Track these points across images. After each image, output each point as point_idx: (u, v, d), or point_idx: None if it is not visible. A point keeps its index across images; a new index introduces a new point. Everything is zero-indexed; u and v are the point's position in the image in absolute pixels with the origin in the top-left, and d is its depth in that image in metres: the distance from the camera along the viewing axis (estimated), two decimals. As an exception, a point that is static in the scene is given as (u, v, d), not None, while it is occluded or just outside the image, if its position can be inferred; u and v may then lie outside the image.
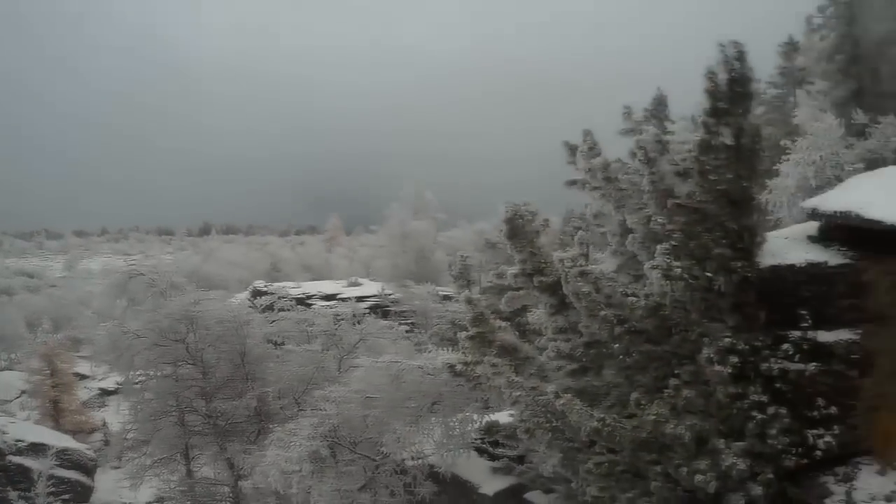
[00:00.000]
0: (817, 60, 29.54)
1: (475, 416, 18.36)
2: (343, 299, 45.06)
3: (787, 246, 12.69)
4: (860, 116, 22.95)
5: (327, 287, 61.15)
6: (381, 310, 47.94)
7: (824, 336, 11.73)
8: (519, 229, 13.52)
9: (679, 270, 11.28)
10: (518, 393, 12.67)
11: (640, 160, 12.24)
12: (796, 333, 11.66)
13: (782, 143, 23.43)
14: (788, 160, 22.27)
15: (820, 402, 11.57)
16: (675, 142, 12.58)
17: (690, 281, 11.32)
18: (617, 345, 12.03)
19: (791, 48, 32.77)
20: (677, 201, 11.62)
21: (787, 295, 11.93)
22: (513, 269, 13.86)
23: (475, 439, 18.84)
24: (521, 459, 17.90)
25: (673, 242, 11.56)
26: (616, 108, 15.83)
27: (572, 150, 13.96)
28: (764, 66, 32.97)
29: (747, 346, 11.34)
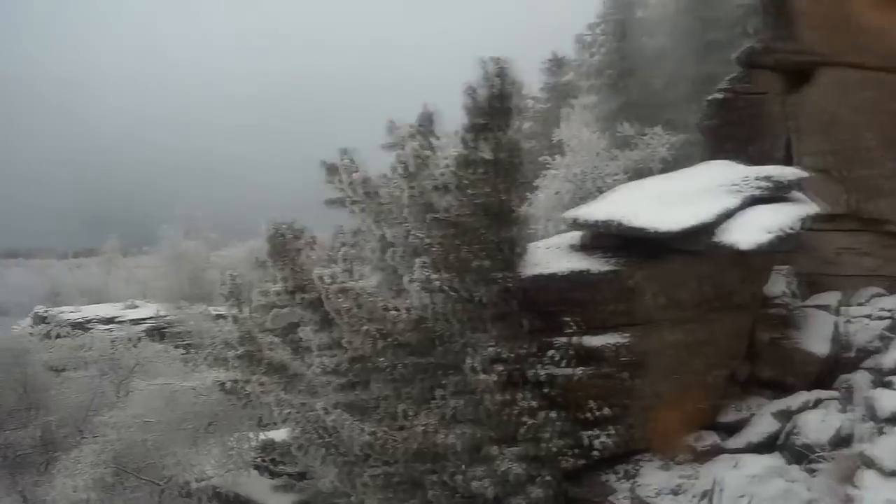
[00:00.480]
0: (587, 76, 31.48)
1: (251, 435, 18.35)
2: (121, 322, 43.84)
3: (550, 256, 13.17)
4: (626, 129, 24.52)
5: (106, 310, 58.20)
6: (158, 332, 46.68)
7: (592, 341, 12.21)
8: (281, 247, 13.55)
9: (439, 283, 11.51)
10: (288, 410, 12.61)
11: (400, 174, 12.41)
12: (562, 340, 12.08)
13: (541, 158, 24.70)
14: (548, 175, 23.44)
15: (593, 404, 12.06)
16: (439, 157, 12.82)
17: (451, 293, 11.57)
18: (382, 358, 12.12)
19: (556, 64, 34.71)
20: (436, 215, 11.85)
21: (550, 303, 12.37)
22: (276, 287, 13.76)
23: (255, 458, 18.67)
24: (302, 476, 17.76)
25: (432, 256, 11.76)
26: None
27: (331, 169, 13.95)
28: (531, 82, 34.75)
29: (513, 355, 11.75)
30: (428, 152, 12.60)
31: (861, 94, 15.99)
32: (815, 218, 13.72)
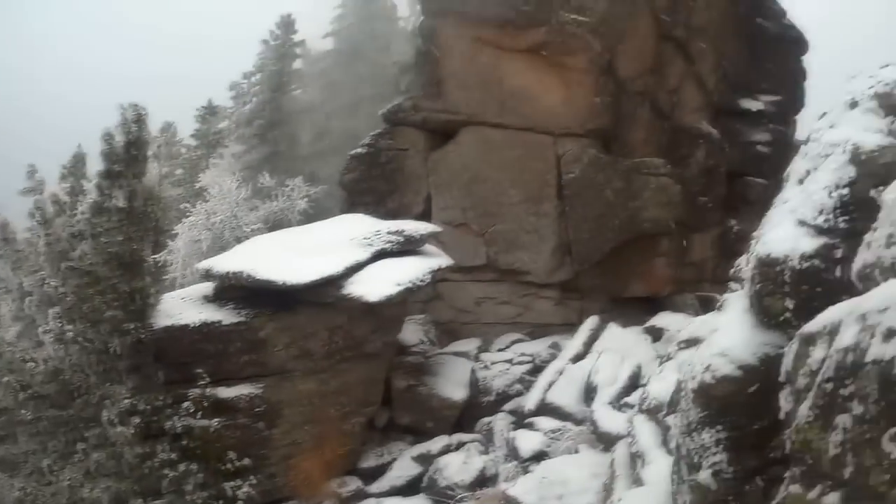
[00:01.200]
0: (237, 125, 32.23)
1: None
2: None
3: (183, 306, 13.54)
4: (267, 180, 25.50)
5: None
6: None
7: (226, 392, 12.78)
8: None
9: (72, 334, 11.58)
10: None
11: (37, 221, 12.32)
12: (196, 391, 12.47)
13: (182, 206, 25.00)
14: (187, 222, 23.79)
15: (232, 454, 12.52)
16: (81, 202, 12.88)
17: (85, 344, 11.67)
18: (24, 411, 11.79)
19: (208, 112, 35.13)
20: (71, 264, 11.89)
21: (184, 354, 12.78)
22: None
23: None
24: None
25: (66, 305, 11.78)
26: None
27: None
28: (184, 128, 34.81)
29: (149, 406, 11.90)
30: (66, 198, 12.65)
31: (505, 153, 18.31)
32: (450, 270, 15.56)
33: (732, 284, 10.91)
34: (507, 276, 18.51)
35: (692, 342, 9.96)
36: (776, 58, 28.14)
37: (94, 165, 14.20)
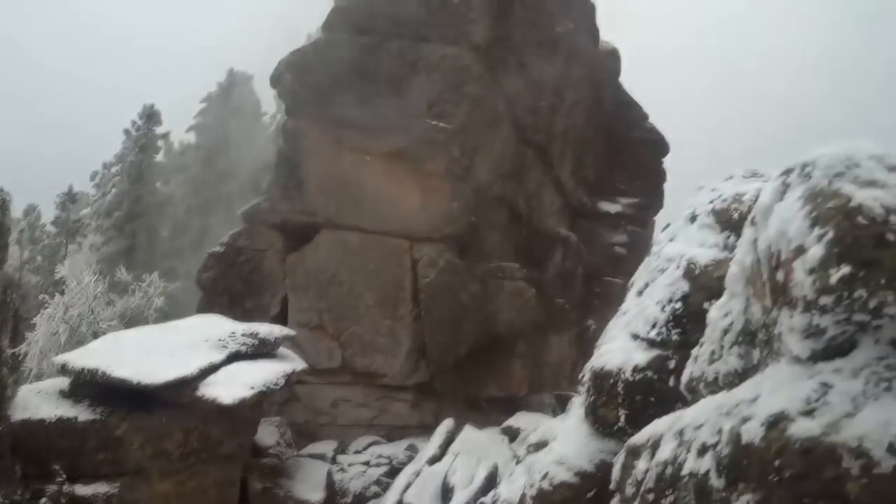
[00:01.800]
0: (96, 215, 31.70)
1: None
2: None
3: (39, 400, 13.22)
4: (124, 274, 25.16)
5: None
6: None
7: (82, 489, 12.41)
8: None
9: None
10: None
11: None
12: (53, 487, 12.11)
13: (41, 296, 24.44)
14: (45, 314, 23.24)
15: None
16: None
17: None
18: None
19: (70, 199, 34.51)
20: None
21: (41, 449, 12.44)
22: None
23: None
24: None
25: None
26: None
27: None
28: (46, 212, 34.13)
29: (6, 501, 11.52)
30: None
31: (362, 257, 18.53)
32: (306, 372, 15.57)
33: (580, 387, 11.26)
34: (362, 379, 18.58)
35: (541, 445, 10.17)
36: (636, 161, 29.45)
37: None
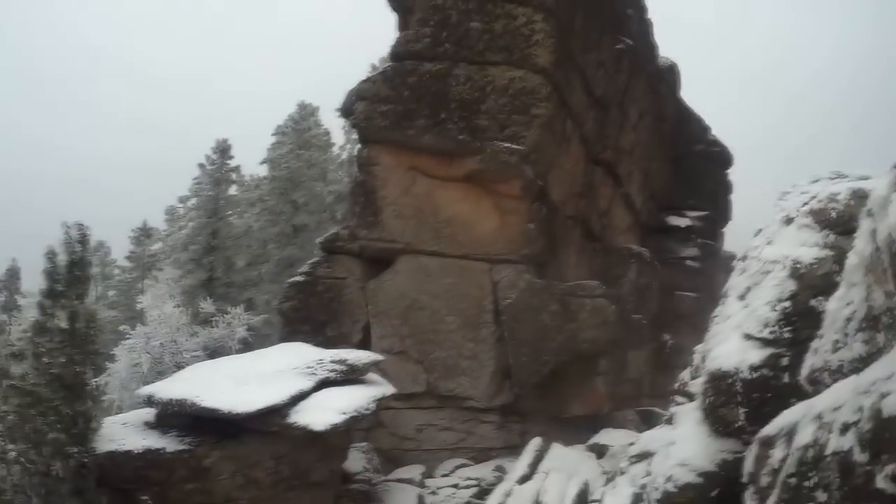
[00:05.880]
0: (173, 248, 32.19)
1: None
2: None
3: (125, 432, 13.21)
4: (208, 305, 25.41)
5: None
6: None
7: None
8: None
9: (14, 454, 11.22)
10: None
11: None
12: None
13: (122, 328, 24.76)
14: (127, 345, 23.53)
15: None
16: (20, 318, 12.71)
17: (28, 465, 11.30)
18: None
19: (144, 234, 35.11)
20: (12, 382, 11.61)
21: (127, 480, 12.45)
22: None
23: None
24: None
25: (7, 425, 11.44)
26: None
27: None
28: (118, 249, 34.74)
29: None
30: (4, 317, 12.46)
31: (442, 281, 18.52)
32: (392, 398, 15.53)
33: (678, 398, 11.16)
34: (447, 402, 18.54)
35: (643, 455, 10.18)
36: (701, 174, 29.27)
37: (27, 280, 14.04)
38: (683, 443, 7.71)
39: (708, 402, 7.49)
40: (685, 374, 11.05)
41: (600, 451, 16.31)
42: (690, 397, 9.92)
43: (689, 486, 6.89)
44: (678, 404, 10.59)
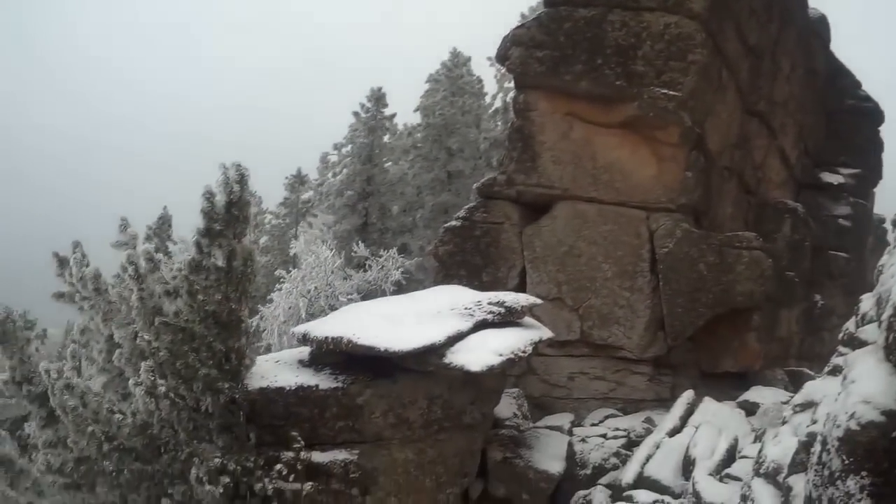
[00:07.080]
0: (327, 195, 32.55)
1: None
2: None
3: (278, 369, 13.01)
4: (361, 250, 25.53)
5: None
6: None
7: (319, 457, 12.11)
8: (10, 334, 12.57)
9: (164, 389, 11.16)
10: (14, 508, 11.50)
11: (129, 276, 11.96)
12: (290, 454, 11.82)
13: (277, 272, 25.09)
14: (283, 289, 23.81)
15: (323, 520, 11.79)
16: (172, 260, 12.80)
17: (177, 400, 11.23)
18: (107, 462, 11.41)
19: (298, 181, 35.61)
20: (165, 319, 11.49)
21: (278, 417, 12.25)
22: (3, 376, 12.78)
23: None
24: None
25: (159, 360, 11.39)
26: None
27: (62, 262, 13.43)
28: (272, 196, 35.29)
29: (239, 467, 11.34)
30: (160, 255, 12.51)
31: (599, 228, 17.75)
32: (547, 343, 14.98)
33: (841, 348, 10.50)
34: (600, 352, 17.79)
35: (807, 406, 9.68)
36: (853, 130, 27.76)
37: (178, 228, 14.09)
38: (865, 380, 7.03)
39: (892, 338, 6.83)
40: (849, 325, 10.28)
41: (750, 409, 15.30)
42: (860, 345, 9.29)
43: (872, 424, 6.20)
44: (842, 355, 9.91)
